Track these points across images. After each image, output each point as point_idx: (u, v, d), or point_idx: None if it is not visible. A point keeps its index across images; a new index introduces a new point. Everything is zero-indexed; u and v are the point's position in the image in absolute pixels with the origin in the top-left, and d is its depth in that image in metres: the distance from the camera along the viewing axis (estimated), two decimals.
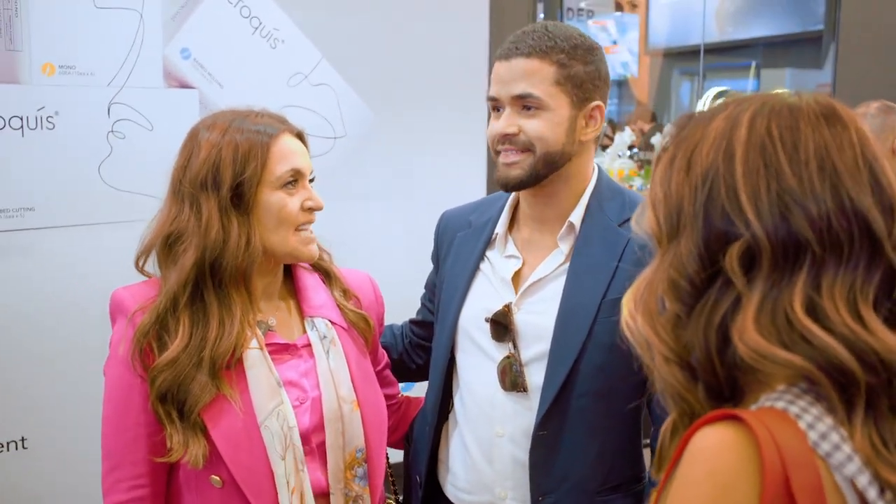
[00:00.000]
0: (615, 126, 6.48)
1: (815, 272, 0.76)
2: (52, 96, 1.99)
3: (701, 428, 0.75)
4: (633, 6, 7.40)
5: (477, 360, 1.52)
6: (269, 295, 1.43)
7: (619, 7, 7.38)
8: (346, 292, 1.51)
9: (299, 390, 1.38)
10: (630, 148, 5.20)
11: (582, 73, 1.42)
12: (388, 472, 1.61)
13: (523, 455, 1.45)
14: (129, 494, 1.32)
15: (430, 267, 1.74)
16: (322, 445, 1.39)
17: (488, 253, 1.56)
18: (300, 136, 1.42)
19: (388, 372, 1.67)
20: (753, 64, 6.51)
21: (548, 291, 1.47)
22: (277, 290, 1.45)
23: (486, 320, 1.49)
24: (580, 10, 6.91)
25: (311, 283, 1.47)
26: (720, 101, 0.89)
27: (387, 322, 1.70)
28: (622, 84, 7.60)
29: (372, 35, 2.48)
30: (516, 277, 1.51)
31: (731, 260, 0.77)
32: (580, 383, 1.41)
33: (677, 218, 0.82)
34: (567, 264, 1.47)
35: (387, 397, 1.58)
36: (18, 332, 2.01)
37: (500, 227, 1.55)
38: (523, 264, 1.51)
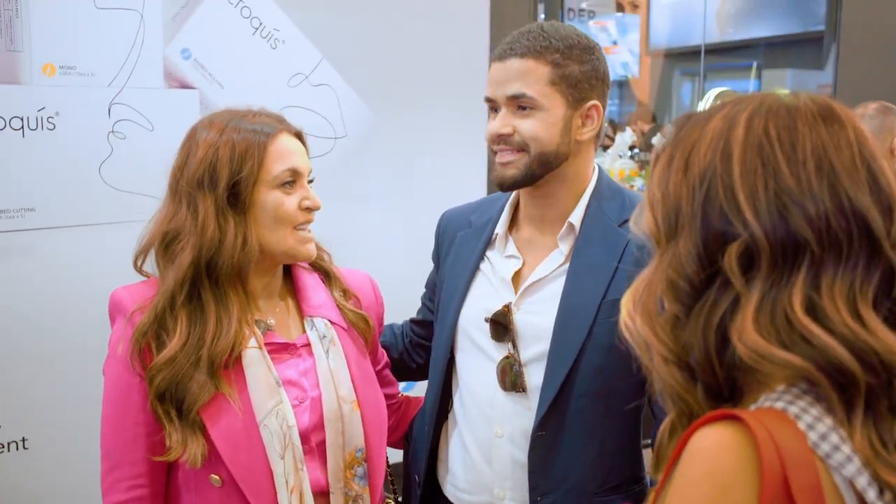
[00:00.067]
0: (616, 126, 6.48)
1: (815, 272, 0.76)
2: (53, 97, 1.99)
3: (700, 428, 0.75)
4: (635, 7, 7.40)
5: (476, 360, 1.52)
6: (268, 294, 1.43)
7: (620, 7, 7.38)
8: (345, 292, 1.51)
9: (299, 390, 1.38)
10: (631, 148, 5.20)
11: (577, 72, 1.42)
12: (388, 471, 1.61)
13: (522, 455, 1.45)
14: (128, 494, 1.32)
15: (430, 267, 1.74)
16: (321, 445, 1.39)
17: (488, 253, 1.56)
18: (299, 136, 1.42)
19: (387, 371, 1.67)
20: (754, 64, 6.50)
21: (547, 292, 1.47)
22: (277, 290, 1.45)
23: (486, 320, 1.49)
24: (581, 10, 6.91)
25: (310, 282, 1.47)
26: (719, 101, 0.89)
27: (387, 322, 1.71)
28: (623, 84, 7.59)
29: (372, 35, 2.48)
30: (516, 277, 1.51)
31: (730, 260, 0.77)
32: (579, 384, 1.41)
33: (675, 218, 0.82)
34: (567, 264, 1.47)
35: (387, 397, 1.58)
36: (19, 332, 2.01)
37: (501, 227, 1.55)
38: (523, 264, 1.51)
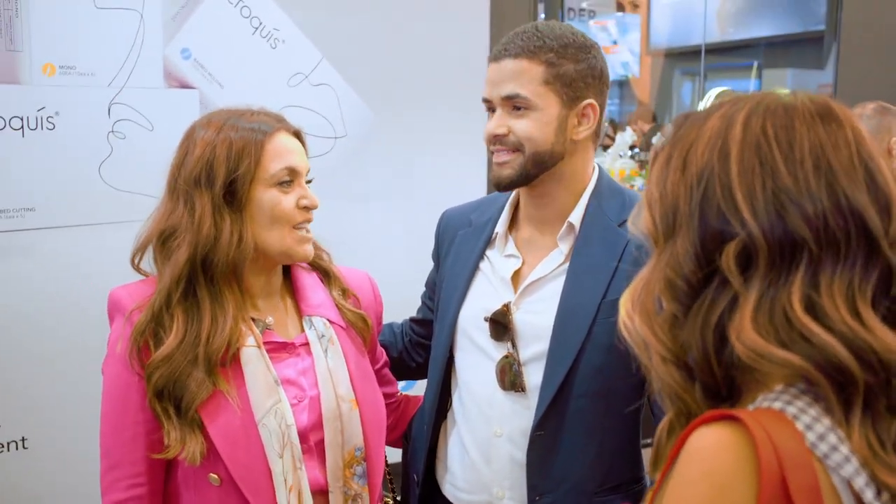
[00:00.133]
0: (616, 126, 6.47)
1: (813, 271, 0.76)
2: (53, 96, 1.99)
3: (698, 428, 0.75)
4: (635, 6, 7.39)
5: (476, 359, 1.52)
6: (267, 294, 1.43)
7: (620, 7, 7.38)
8: (344, 291, 1.51)
9: (297, 389, 1.38)
10: (631, 148, 5.19)
11: (572, 71, 1.42)
12: (386, 470, 1.61)
13: (521, 455, 1.45)
14: (127, 493, 1.32)
15: (429, 266, 1.74)
16: (320, 444, 1.39)
17: (488, 252, 1.56)
18: (297, 136, 1.42)
19: (386, 371, 1.67)
20: (755, 64, 6.50)
21: (547, 291, 1.47)
22: (277, 289, 1.45)
23: (486, 319, 1.49)
24: (581, 10, 6.90)
25: (309, 282, 1.48)
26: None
27: (386, 321, 1.71)
28: (623, 84, 7.59)
29: (372, 35, 2.48)
30: (516, 277, 1.51)
31: (728, 259, 0.77)
32: (579, 384, 1.41)
33: (673, 217, 0.82)
34: (566, 264, 1.47)
35: (386, 396, 1.58)
36: (19, 332, 2.01)
37: (501, 226, 1.55)
38: (523, 264, 1.51)
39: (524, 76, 1.41)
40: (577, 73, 1.43)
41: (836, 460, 0.72)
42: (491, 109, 1.47)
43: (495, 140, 1.45)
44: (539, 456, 1.43)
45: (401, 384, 1.79)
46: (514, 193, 1.56)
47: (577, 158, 1.48)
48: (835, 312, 0.74)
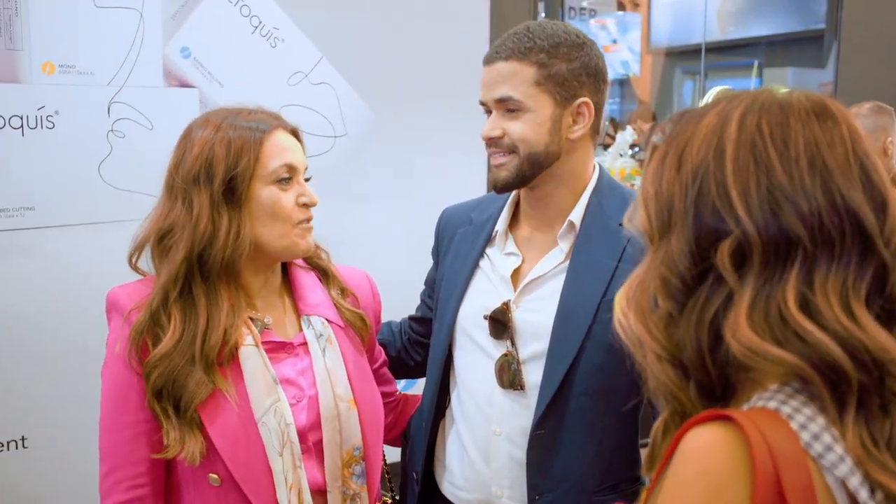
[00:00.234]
0: (617, 125, 6.47)
1: (807, 269, 0.76)
2: (52, 95, 1.99)
3: (692, 428, 0.75)
4: (636, 5, 7.39)
5: (475, 357, 1.52)
6: (265, 293, 1.43)
7: (621, 6, 7.37)
8: (343, 290, 1.51)
9: (296, 388, 1.38)
10: (632, 147, 5.19)
11: (564, 70, 1.42)
12: (385, 469, 1.61)
13: (520, 454, 1.45)
14: (129, 494, 1.31)
15: (430, 266, 1.74)
16: (319, 444, 1.38)
17: (488, 250, 1.56)
18: (295, 134, 1.42)
19: (385, 370, 1.67)
20: (756, 63, 6.50)
21: (547, 289, 1.47)
22: (276, 288, 1.45)
23: (485, 318, 1.49)
24: (582, 9, 6.90)
25: (307, 281, 1.47)
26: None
27: (385, 320, 1.70)
28: (624, 83, 7.59)
29: (372, 35, 2.48)
30: (515, 275, 1.51)
31: (722, 256, 0.77)
32: (578, 382, 1.41)
33: (668, 215, 0.82)
34: (567, 263, 1.47)
35: (384, 395, 1.58)
36: (18, 331, 2.01)
37: (501, 224, 1.55)
38: (522, 262, 1.51)
39: (515, 78, 1.41)
40: (570, 72, 1.43)
41: (831, 460, 0.72)
42: (488, 112, 1.48)
43: (491, 143, 1.46)
44: (539, 455, 1.43)
45: (401, 383, 1.79)
46: (514, 192, 1.55)
47: (576, 157, 1.48)
48: (829, 311, 0.74)
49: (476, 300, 1.53)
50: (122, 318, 1.32)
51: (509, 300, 1.48)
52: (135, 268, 1.38)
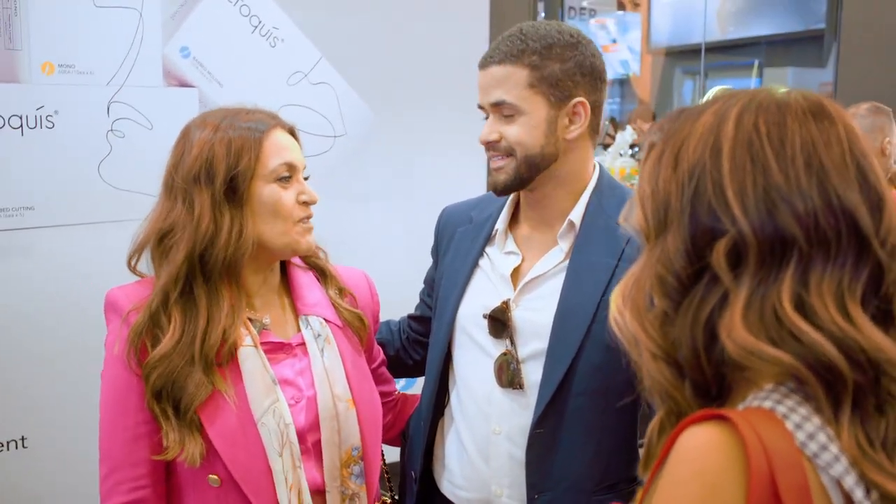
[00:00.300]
0: (617, 125, 6.47)
1: (803, 269, 0.76)
2: (52, 95, 1.99)
3: (688, 427, 0.75)
4: (636, 5, 7.39)
5: (474, 356, 1.52)
6: (264, 292, 1.43)
7: (620, 6, 7.37)
8: (341, 290, 1.51)
9: (295, 389, 1.38)
10: (631, 147, 5.19)
11: (558, 71, 1.42)
12: (384, 469, 1.61)
13: (520, 453, 1.45)
14: (130, 496, 1.31)
15: (429, 266, 1.74)
16: (318, 444, 1.38)
17: (488, 249, 1.56)
18: (292, 132, 1.42)
19: (384, 369, 1.67)
20: (756, 63, 6.50)
21: (546, 289, 1.47)
22: (275, 288, 1.45)
23: (484, 316, 1.49)
24: (582, 9, 6.89)
25: (305, 281, 1.47)
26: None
27: (383, 320, 1.70)
28: (624, 83, 7.59)
29: (372, 35, 2.48)
30: (515, 274, 1.51)
31: (718, 256, 0.77)
32: (578, 382, 1.41)
33: (664, 214, 0.82)
34: (566, 262, 1.47)
35: (383, 395, 1.58)
36: (18, 331, 2.01)
37: (501, 223, 1.55)
38: (522, 260, 1.51)
39: (509, 81, 1.42)
40: (564, 73, 1.43)
41: (826, 459, 0.72)
42: (486, 115, 1.48)
43: (488, 147, 1.47)
44: (538, 454, 1.43)
45: (401, 382, 1.79)
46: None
47: (574, 157, 1.48)
48: (824, 311, 0.74)
49: (476, 299, 1.53)
50: (121, 319, 1.32)
51: (509, 299, 1.48)
52: (133, 270, 1.38)
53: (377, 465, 1.46)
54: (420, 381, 1.74)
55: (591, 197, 1.50)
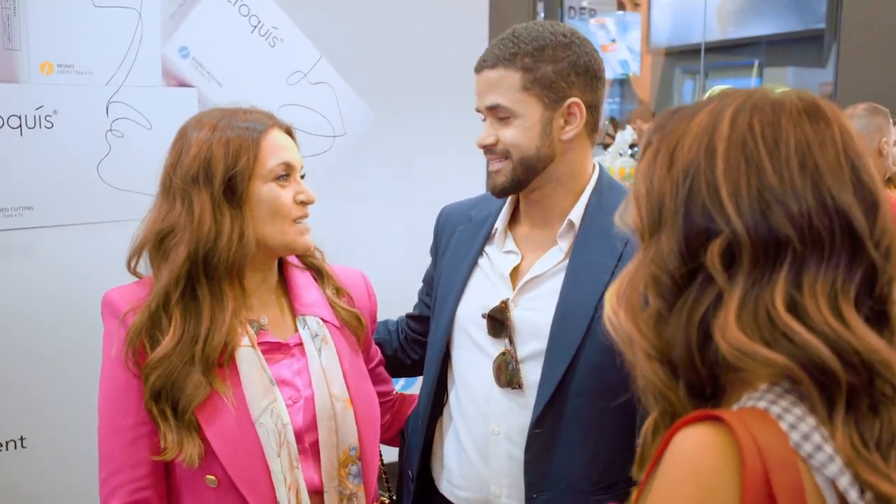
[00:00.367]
0: (617, 125, 6.47)
1: (797, 270, 0.76)
2: (51, 95, 1.99)
3: (682, 428, 0.75)
4: (636, 5, 7.38)
5: (473, 355, 1.52)
6: (262, 292, 1.42)
7: (620, 6, 7.37)
8: (338, 290, 1.51)
9: (292, 389, 1.38)
10: (631, 146, 5.19)
11: (551, 73, 1.42)
12: (382, 469, 1.61)
13: (519, 453, 1.44)
14: (131, 497, 1.30)
15: (429, 266, 1.74)
16: (315, 445, 1.38)
17: (487, 248, 1.56)
18: (289, 132, 1.42)
19: (381, 369, 1.67)
20: (756, 62, 6.50)
21: (546, 288, 1.47)
22: (273, 287, 1.45)
23: (483, 316, 1.49)
24: (582, 8, 6.89)
25: (302, 281, 1.47)
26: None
27: (381, 319, 1.70)
28: (624, 83, 7.59)
29: (371, 34, 2.48)
30: (514, 273, 1.51)
31: (712, 256, 0.77)
32: (577, 382, 1.41)
33: (659, 213, 0.82)
34: (566, 262, 1.46)
35: (381, 395, 1.58)
36: (17, 331, 2.01)
37: (500, 222, 1.55)
38: (522, 260, 1.51)
39: (502, 85, 1.42)
40: (557, 74, 1.42)
41: (820, 460, 0.72)
42: (484, 118, 1.48)
43: (486, 150, 1.47)
44: (537, 454, 1.43)
45: (401, 382, 1.78)
46: None
47: (572, 158, 1.48)
48: (817, 313, 0.74)
49: (474, 298, 1.53)
50: (118, 320, 1.32)
51: (508, 298, 1.48)
52: (133, 271, 1.38)
53: (375, 465, 1.46)
54: (419, 382, 1.74)
55: (590, 197, 1.50)
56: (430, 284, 1.70)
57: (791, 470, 0.71)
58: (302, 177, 1.41)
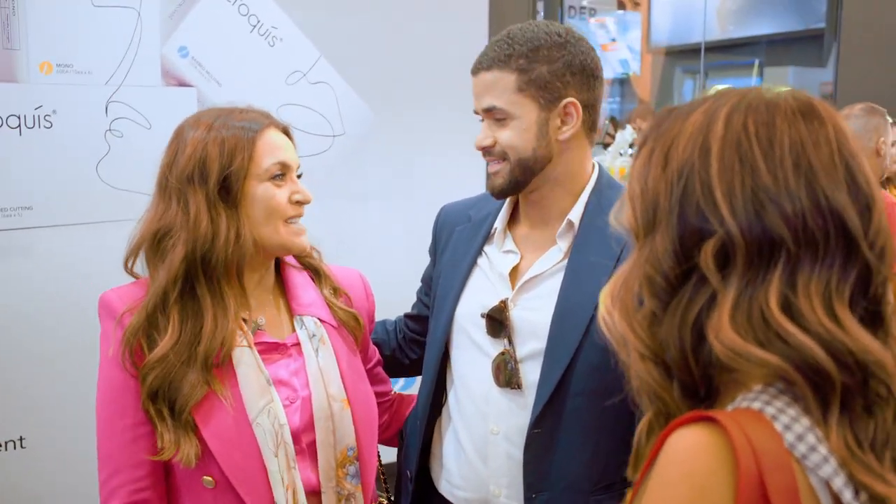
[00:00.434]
0: (617, 124, 6.46)
1: (791, 270, 0.76)
2: (50, 95, 1.99)
3: (677, 429, 0.75)
4: (636, 4, 7.37)
5: (472, 355, 1.52)
6: (259, 292, 1.42)
7: (621, 5, 7.36)
8: (336, 290, 1.50)
9: (289, 389, 1.38)
10: (631, 146, 5.19)
11: (546, 73, 1.42)
12: (380, 470, 1.60)
13: (518, 453, 1.44)
14: (132, 498, 1.30)
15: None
16: (312, 445, 1.38)
17: (486, 248, 1.56)
18: (286, 132, 1.42)
19: (379, 369, 1.67)
20: (756, 62, 6.49)
21: (545, 288, 1.47)
22: (270, 286, 1.45)
23: (482, 316, 1.49)
24: (582, 8, 6.88)
25: (299, 281, 1.47)
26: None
27: (379, 319, 1.70)
28: (624, 82, 7.57)
29: (371, 34, 2.48)
30: (514, 273, 1.51)
31: (706, 257, 0.77)
32: (576, 382, 1.41)
33: (653, 213, 0.82)
34: (565, 261, 1.46)
35: (379, 395, 1.58)
36: (16, 331, 2.01)
37: (500, 222, 1.55)
38: (521, 259, 1.51)
39: (498, 87, 1.42)
40: (552, 74, 1.42)
41: (815, 461, 0.72)
42: (482, 120, 1.49)
43: (484, 152, 1.48)
44: (536, 454, 1.43)
45: (400, 382, 1.78)
46: None
47: (570, 158, 1.48)
48: (811, 313, 0.74)
49: (473, 298, 1.53)
50: (115, 321, 1.32)
51: (507, 298, 1.48)
52: (130, 272, 1.38)
53: (373, 466, 1.46)
54: (418, 382, 1.74)
55: (590, 196, 1.49)
56: (429, 284, 1.69)
57: (785, 471, 0.71)
58: (299, 176, 1.41)
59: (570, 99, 1.44)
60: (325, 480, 1.38)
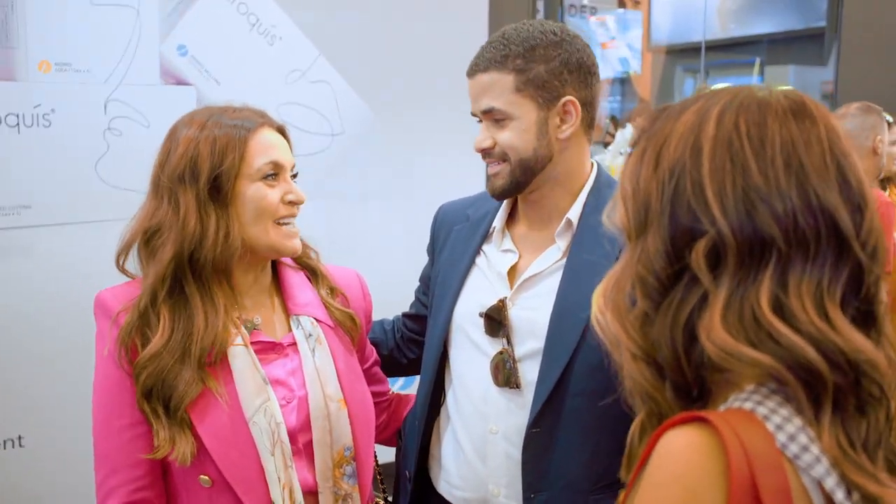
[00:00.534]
0: (617, 123, 6.46)
1: (782, 270, 0.75)
2: (49, 94, 1.99)
3: (669, 429, 0.75)
4: (636, 3, 7.36)
5: (470, 354, 1.51)
6: (255, 292, 1.42)
7: (621, 4, 7.35)
8: (332, 290, 1.50)
9: (286, 389, 1.38)
10: (631, 145, 5.17)
11: (543, 72, 1.42)
12: (377, 470, 1.60)
13: (517, 452, 1.44)
14: (130, 498, 1.29)
15: None
16: (309, 445, 1.38)
17: (485, 247, 1.56)
18: (281, 131, 1.42)
19: (377, 369, 1.66)
20: (757, 61, 6.48)
21: (543, 287, 1.46)
22: (266, 287, 1.44)
23: (480, 315, 1.48)
24: (582, 6, 6.87)
25: (296, 281, 1.47)
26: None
27: (377, 319, 1.70)
28: (625, 81, 7.56)
29: (370, 33, 2.47)
30: (512, 272, 1.51)
31: (698, 257, 0.77)
32: (574, 382, 1.41)
33: (645, 213, 0.82)
34: (564, 261, 1.46)
35: (376, 395, 1.58)
36: (16, 330, 2.01)
37: (498, 221, 1.55)
38: (519, 259, 1.51)
39: (495, 88, 1.42)
40: (550, 73, 1.42)
41: (807, 461, 0.72)
42: (480, 122, 1.48)
43: (483, 153, 1.47)
44: (535, 453, 1.43)
45: (400, 382, 1.78)
46: None
47: (569, 156, 1.48)
48: (802, 313, 0.74)
49: (472, 297, 1.53)
50: (110, 320, 1.31)
51: (505, 297, 1.48)
52: (122, 270, 1.37)
53: (370, 466, 1.45)
54: (418, 382, 1.74)
55: (588, 195, 1.49)
56: (427, 283, 1.69)
57: (777, 471, 0.71)
58: (294, 176, 1.40)
59: (568, 97, 1.43)
60: (321, 480, 1.38)
